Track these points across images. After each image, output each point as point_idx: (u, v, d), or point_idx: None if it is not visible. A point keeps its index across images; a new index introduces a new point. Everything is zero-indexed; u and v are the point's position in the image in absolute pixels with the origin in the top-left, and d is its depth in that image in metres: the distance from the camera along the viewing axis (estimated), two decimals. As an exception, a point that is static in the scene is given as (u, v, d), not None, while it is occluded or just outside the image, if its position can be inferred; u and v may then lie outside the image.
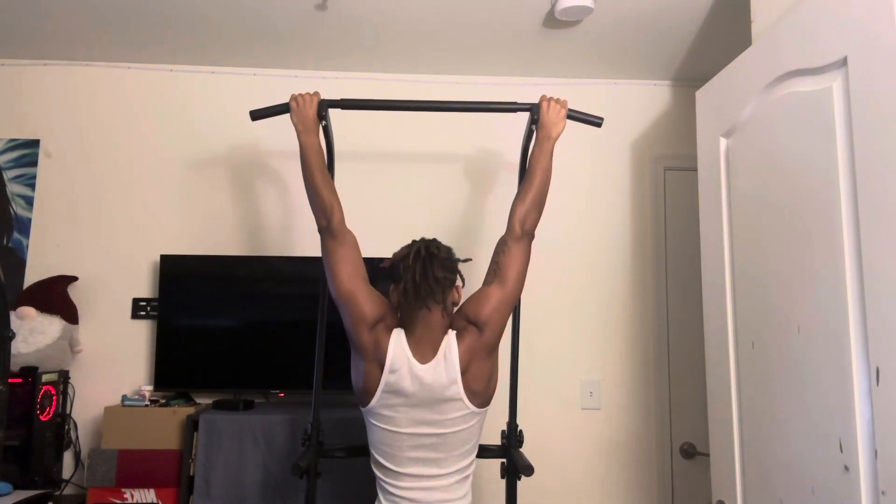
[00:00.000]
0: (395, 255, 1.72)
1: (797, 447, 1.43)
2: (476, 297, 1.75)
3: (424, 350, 1.65)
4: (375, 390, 1.64)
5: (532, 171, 1.88)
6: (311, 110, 1.93)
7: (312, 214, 1.85)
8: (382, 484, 1.70)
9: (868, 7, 1.25)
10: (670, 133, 2.87)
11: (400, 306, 1.70)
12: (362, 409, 1.71)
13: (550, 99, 1.97)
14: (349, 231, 1.82)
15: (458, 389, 1.63)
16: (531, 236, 1.83)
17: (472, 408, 1.66)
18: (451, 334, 1.68)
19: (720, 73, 1.83)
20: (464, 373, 1.64)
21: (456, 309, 1.75)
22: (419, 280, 1.62)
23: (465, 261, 1.76)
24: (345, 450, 2.03)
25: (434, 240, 1.75)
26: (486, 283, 1.77)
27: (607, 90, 2.87)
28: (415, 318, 1.66)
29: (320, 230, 1.82)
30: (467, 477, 1.73)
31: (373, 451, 1.72)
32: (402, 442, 1.65)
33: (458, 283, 1.74)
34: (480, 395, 1.68)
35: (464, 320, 1.70)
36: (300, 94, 1.95)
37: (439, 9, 2.30)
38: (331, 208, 1.80)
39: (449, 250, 1.73)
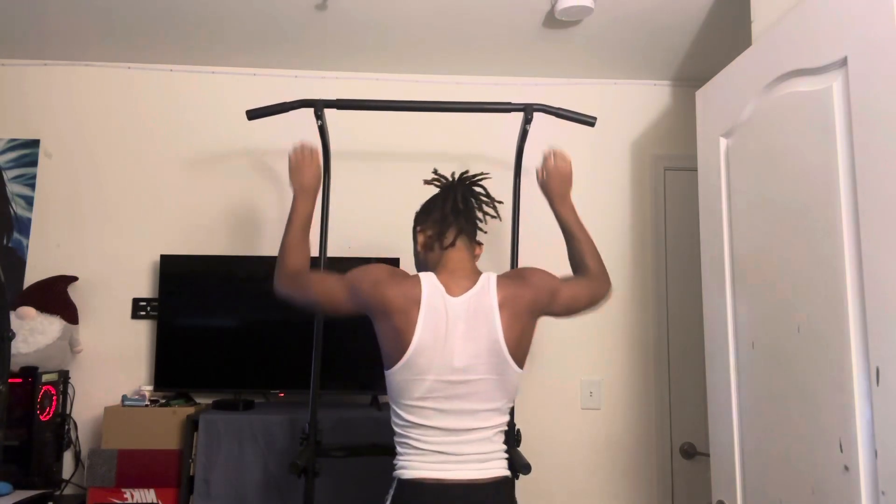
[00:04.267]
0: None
1: (797, 447, 1.43)
2: (561, 279, 1.72)
3: (459, 283, 1.57)
4: (413, 334, 1.50)
5: (571, 232, 1.87)
6: (310, 170, 1.75)
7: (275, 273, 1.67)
8: (407, 440, 1.55)
9: (868, 7, 1.25)
10: (670, 133, 2.86)
11: (426, 251, 1.66)
12: (391, 370, 1.55)
13: (554, 154, 1.85)
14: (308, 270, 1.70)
15: (495, 317, 1.53)
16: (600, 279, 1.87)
17: (506, 352, 1.53)
18: (492, 276, 1.59)
19: (720, 73, 1.83)
20: (502, 305, 1.55)
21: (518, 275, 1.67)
22: (461, 206, 1.64)
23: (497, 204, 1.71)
24: (342, 449, 2.03)
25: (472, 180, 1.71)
26: (564, 280, 1.73)
27: (607, 90, 2.87)
28: (443, 258, 1.61)
29: (287, 296, 1.64)
30: (502, 432, 1.60)
31: (395, 407, 1.57)
32: (435, 392, 1.52)
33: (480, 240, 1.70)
34: (514, 347, 1.56)
35: (532, 287, 1.62)
36: (300, 148, 1.78)
37: (439, 9, 2.30)
38: (304, 276, 1.66)
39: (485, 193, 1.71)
